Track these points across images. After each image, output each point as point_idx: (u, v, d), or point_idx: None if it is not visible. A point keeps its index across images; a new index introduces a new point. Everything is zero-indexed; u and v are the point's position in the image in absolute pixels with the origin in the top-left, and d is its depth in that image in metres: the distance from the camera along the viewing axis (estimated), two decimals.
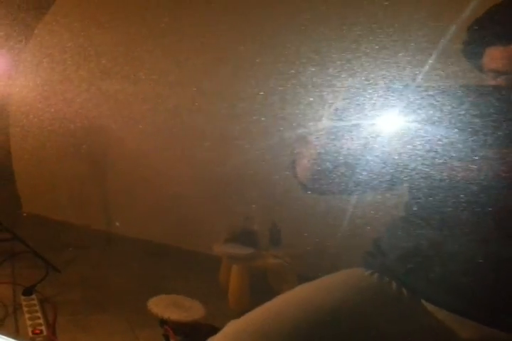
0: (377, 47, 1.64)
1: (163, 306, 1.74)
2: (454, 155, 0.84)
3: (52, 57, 2.25)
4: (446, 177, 0.89)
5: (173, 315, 1.68)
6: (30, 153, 2.29)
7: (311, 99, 1.27)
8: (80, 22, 2.26)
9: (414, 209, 1.00)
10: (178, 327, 1.69)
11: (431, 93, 0.80)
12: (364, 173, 0.93)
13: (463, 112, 0.79)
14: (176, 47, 2.21)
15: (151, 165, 2.29)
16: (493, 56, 0.87)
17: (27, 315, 1.82)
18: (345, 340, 0.91)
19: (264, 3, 2.07)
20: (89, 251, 2.32)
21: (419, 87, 0.83)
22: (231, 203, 2.14)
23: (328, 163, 0.92)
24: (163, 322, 1.73)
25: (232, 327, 0.95)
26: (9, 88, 2.30)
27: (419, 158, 0.87)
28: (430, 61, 0.95)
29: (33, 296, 1.93)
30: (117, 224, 2.21)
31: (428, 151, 0.85)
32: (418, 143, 0.85)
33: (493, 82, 0.88)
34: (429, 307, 0.94)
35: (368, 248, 1.09)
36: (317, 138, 0.93)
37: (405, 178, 0.94)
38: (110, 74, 2.26)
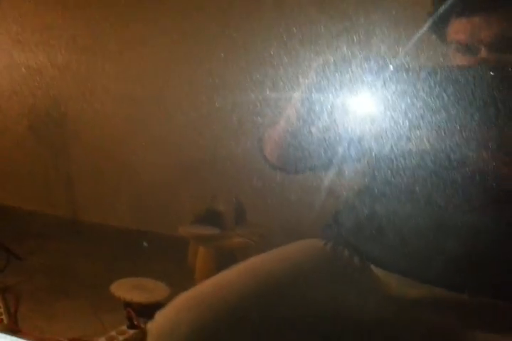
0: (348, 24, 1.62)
1: (126, 289, 1.70)
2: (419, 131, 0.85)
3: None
4: (402, 150, 0.90)
5: (136, 297, 1.64)
6: None
7: (280, 74, 1.26)
8: None
9: (371, 180, 1.01)
10: (142, 309, 1.66)
11: (402, 72, 0.82)
12: (330, 151, 0.94)
13: (431, 92, 0.81)
14: (144, 22, 2.15)
15: (115, 150, 2.24)
16: (457, 28, 0.87)
17: None
18: (293, 309, 0.90)
19: None
20: (52, 238, 2.26)
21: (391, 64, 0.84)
22: (196, 184, 2.10)
23: (296, 142, 0.93)
24: (126, 304, 1.69)
25: (180, 298, 0.92)
26: None
27: (379, 132, 0.88)
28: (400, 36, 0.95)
29: None
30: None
31: (388, 125, 0.86)
32: (380, 117, 0.86)
33: (458, 60, 0.88)
34: (379, 272, 0.95)
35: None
36: (286, 117, 0.93)
37: (367, 154, 0.95)
38: (75, 50, 2.19)
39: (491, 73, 0.80)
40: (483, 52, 0.84)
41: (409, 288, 0.91)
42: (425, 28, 0.96)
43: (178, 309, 0.89)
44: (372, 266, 0.96)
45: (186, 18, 2.10)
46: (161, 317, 0.90)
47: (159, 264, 2.08)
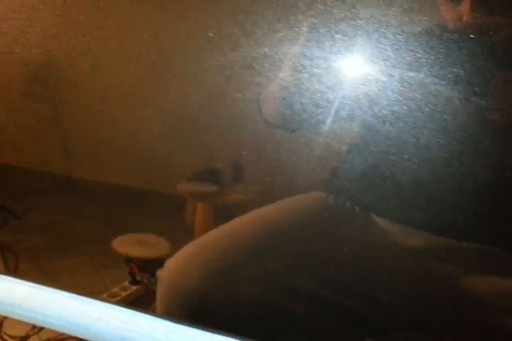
0: None
1: (127, 245, 1.71)
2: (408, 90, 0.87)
3: None
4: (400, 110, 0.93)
5: (138, 252, 1.66)
6: None
7: (276, 35, 1.24)
8: None
9: (367, 137, 1.04)
10: (144, 265, 1.68)
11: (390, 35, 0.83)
12: (327, 108, 0.97)
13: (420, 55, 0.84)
14: None
15: (112, 106, 2.20)
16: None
17: None
18: (299, 255, 0.94)
19: None
20: (50, 196, 2.25)
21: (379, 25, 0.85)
22: (193, 142, 2.08)
23: (293, 100, 0.96)
24: (128, 260, 1.70)
25: (189, 246, 0.93)
26: None
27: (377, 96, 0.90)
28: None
29: None
30: None
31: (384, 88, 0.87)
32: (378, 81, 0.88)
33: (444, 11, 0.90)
34: (381, 221, 0.98)
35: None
36: (279, 78, 0.95)
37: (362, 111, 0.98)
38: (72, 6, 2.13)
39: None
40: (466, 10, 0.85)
41: (409, 237, 0.94)
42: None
43: (188, 256, 0.91)
44: (374, 216, 0.99)
45: None
46: (171, 264, 0.92)
47: (158, 221, 2.09)
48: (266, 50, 1.39)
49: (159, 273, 0.94)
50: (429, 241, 0.93)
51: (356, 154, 1.10)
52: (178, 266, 0.91)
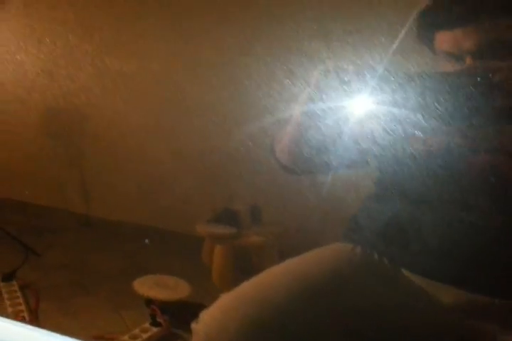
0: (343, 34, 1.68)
1: (148, 286, 1.73)
2: (417, 132, 0.89)
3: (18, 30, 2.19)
4: (411, 154, 0.94)
5: (159, 294, 1.68)
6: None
7: (290, 82, 1.30)
8: None
9: (385, 185, 1.04)
10: (165, 306, 1.69)
11: (396, 78, 0.87)
12: (339, 152, 0.97)
13: (424, 96, 0.86)
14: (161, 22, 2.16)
15: (131, 146, 2.25)
16: (442, 39, 0.94)
17: (8, 302, 1.79)
18: (335, 309, 0.93)
19: None
20: (68, 234, 2.28)
21: (386, 72, 0.89)
22: (212, 183, 2.13)
23: (305, 143, 0.96)
24: (149, 302, 1.72)
25: (224, 298, 0.95)
26: None
27: (387, 137, 0.93)
28: (394, 46, 1.00)
29: (13, 282, 1.90)
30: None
31: (394, 130, 0.90)
32: (386, 123, 0.90)
33: (447, 67, 0.94)
34: (410, 275, 0.97)
35: (347, 224, 1.14)
36: (295, 120, 0.96)
37: (375, 156, 0.99)
38: (92, 49, 2.20)
39: (478, 79, 0.86)
40: (469, 60, 0.90)
41: (441, 293, 0.94)
42: (413, 40, 1.02)
43: (225, 309, 0.92)
44: (403, 270, 0.99)
45: (198, 22, 2.12)
46: (207, 316, 0.93)
47: (174, 260, 2.12)
48: (281, 92, 1.45)
49: (194, 325, 0.95)
50: (461, 298, 0.92)
51: (375, 201, 1.10)
52: (215, 318, 0.93)
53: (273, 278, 0.99)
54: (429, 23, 0.96)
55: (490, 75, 0.85)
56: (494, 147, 0.90)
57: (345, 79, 0.86)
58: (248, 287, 0.97)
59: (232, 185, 2.07)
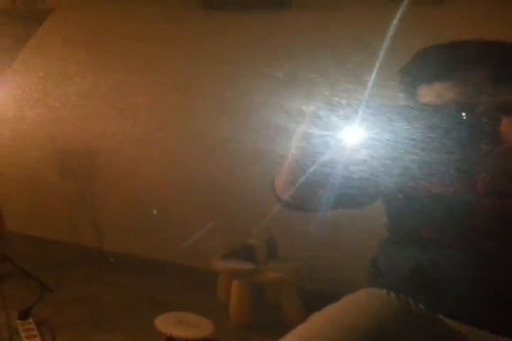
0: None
1: (170, 324, 1.72)
2: (420, 172, 0.93)
3: (39, 70, 2.20)
4: (416, 197, 0.97)
5: (183, 332, 1.66)
6: (14, 169, 2.22)
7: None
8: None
9: (396, 229, 1.06)
10: None
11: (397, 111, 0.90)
12: (336, 189, 0.99)
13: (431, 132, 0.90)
14: (175, 53, 2.19)
15: (145, 180, 2.26)
16: (422, 93, 0.99)
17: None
18: None
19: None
20: (81, 268, 2.26)
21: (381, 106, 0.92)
22: (227, 218, 2.13)
23: (301, 178, 0.97)
24: (170, 340, 1.71)
25: None
26: None
27: (388, 175, 0.95)
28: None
29: (30, 320, 1.88)
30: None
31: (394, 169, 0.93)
32: (387, 160, 0.93)
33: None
34: (447, 320, 0.98)
35: (365, 264, 1.14)
36: (291, 155, 0.98)
37: (376, 194, 1.01)
38: (96, 90, 2.23)
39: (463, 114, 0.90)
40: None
41: (480, 338, 0.94)
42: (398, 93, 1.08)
43: None
44: (439, 315, 0.99)
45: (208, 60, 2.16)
46: None
47: (191, 296, 2.11)
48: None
49: None
50: None
51: (391, 246, 1.08)
52: None
53: (319, 330, 0.99)
54: (409, 79, 1.02)
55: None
56: (503, 190, 0.93)
57: (341, 113, 0.89)
58: (293, 338, 0.98)
59: (248, 219, 2.08)
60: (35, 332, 1.81)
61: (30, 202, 2.34)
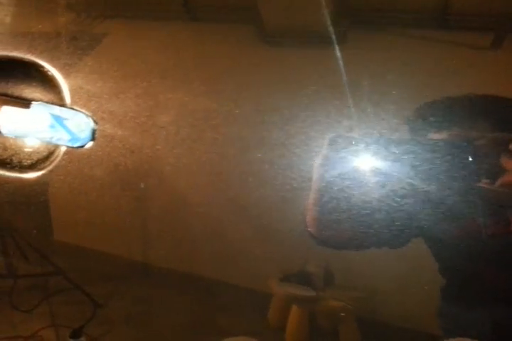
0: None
1: None
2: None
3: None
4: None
5: None
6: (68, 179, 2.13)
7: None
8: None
9: (450, 275, 1.05)
10: None
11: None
12: (367, 223, 0.97)
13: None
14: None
15: (197, 193, 2.19)
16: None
17: None
18: None
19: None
20: (128, 283, 2.19)
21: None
22: (284, 242, 2.10)
23: (329, 210, 0.96)
24: None
25: None
26: None
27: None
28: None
29: (82, 339, 1.81)
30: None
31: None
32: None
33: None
34: None
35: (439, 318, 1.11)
36: (316, 185, 0.96)
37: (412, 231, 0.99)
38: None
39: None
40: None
41: None
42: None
43: None
44: None
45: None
46: None
47: (238, 317, 2.07)
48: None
49: None
50: None
51: (453, 294, 1.09)
52: None
53: None
54: (415, 130, 1.02)
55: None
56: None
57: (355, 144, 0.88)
58: None
59: (305, 244, 2.05)
60: None
61: (79, 211, 2.26)
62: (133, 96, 2.04)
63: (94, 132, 1.46)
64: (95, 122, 1.42)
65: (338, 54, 2.06)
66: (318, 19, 1.93)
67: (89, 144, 1.60)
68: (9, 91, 1.45)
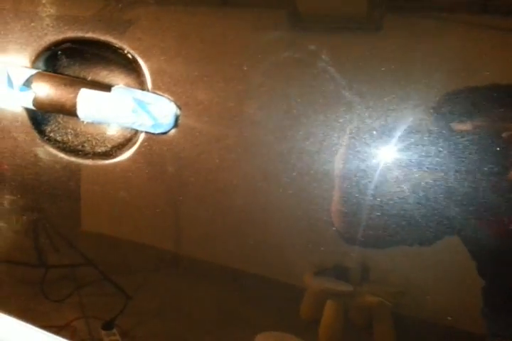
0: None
1: None
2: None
3: None
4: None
5: None
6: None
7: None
8: None
9: (489, 275, 0.98)
10: None
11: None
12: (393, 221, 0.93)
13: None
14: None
15: (230, 182, 2.13)
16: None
17: None
18: None
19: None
20: (158, 274, 2.15)
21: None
22: (320, 234, 2.04)
23: (353, 205, 0.93)
24: None
25: None
26: None
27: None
28: None
29: (114, 330, 1.78)
30: None
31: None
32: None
33: None
34: None
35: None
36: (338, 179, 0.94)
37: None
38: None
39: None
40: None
41: None
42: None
43: None
44: None
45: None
46: None
47: (270, 310, 2.02)
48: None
49: None
50: None
51: (495, 296, 1.04)
52: None
53: None
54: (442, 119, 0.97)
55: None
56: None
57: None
58: None
59: (340, 239, 1.99)
60: None
61: (109, 199, 2.21)
62: (220, 80, 1.94)
63: (177, 118, 1.40)
64: (179, 107, 1.36)
65: (374, 40, 2.00)
66: (354, 4, 1.86)
67: (172, 131, 1.54)
68: (87, 75, 1.40)
